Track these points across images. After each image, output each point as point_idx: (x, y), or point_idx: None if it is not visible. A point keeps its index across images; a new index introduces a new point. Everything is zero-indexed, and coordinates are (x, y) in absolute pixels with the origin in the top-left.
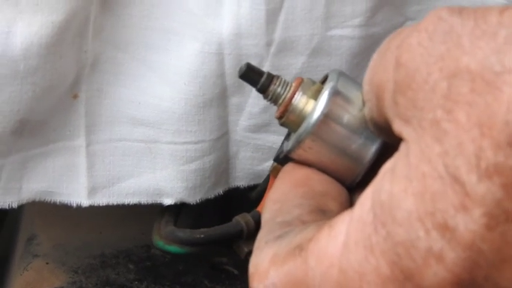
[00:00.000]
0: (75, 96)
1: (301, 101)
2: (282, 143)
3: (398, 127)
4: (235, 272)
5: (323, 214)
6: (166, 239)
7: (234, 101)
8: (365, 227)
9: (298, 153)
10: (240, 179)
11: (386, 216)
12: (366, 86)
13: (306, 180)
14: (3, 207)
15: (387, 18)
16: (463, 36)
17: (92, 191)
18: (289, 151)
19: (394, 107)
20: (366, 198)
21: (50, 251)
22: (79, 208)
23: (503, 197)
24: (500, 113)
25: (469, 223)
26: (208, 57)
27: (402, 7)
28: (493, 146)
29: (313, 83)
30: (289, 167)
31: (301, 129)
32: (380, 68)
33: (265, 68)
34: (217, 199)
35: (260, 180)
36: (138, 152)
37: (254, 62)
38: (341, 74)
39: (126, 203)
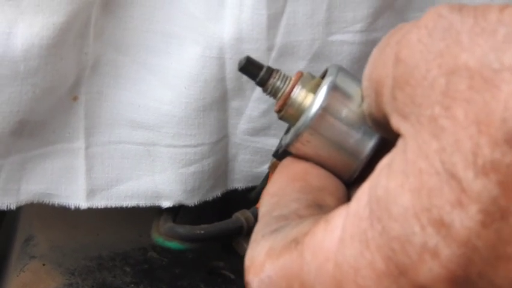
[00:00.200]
0: (75, 98)
1: (300, 94)
2: (281, 138)
3: (396, 123)
4: (232, 276)
5: (320, 209)
6: (165, 235)
7: (234, 104)
8: (361, 222)
9: (297, 147)
10: (238, 181)
11: (382, 212)
12: (365, 82)
13: (303, 175)
14: (1, 208)
15: (389, 23)
16: (462, 34)
17: (91, 193)
18: (288, 144)
19: (392, 103)
20: (362, 193)
21: (47, 253)
22: (77, 210)
23: (499, 194)
24: (497, 111)
25: (464, 220)
26: (209, 62)
27: (403, 13)
28: (490, 143)
29: (313, 77)
30: (287, 161)
31: (300, 123)
32: (379, 64)
33: None
34: (216, 200)
35: (258, 182)
36: (137, 154)
37: None
38: (340, 69)
39: (124, 205)
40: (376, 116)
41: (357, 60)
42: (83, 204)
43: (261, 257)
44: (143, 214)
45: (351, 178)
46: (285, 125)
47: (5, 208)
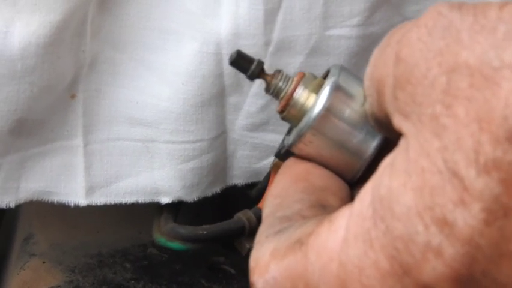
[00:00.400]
0: (73, 96)
1: (302, 95)
2: (283, 139)
3: (398, 122)
4: (232, 271)
5: (323, 209)
6: (168, 236)
7: (231, 100)
8: (365, 222)
9: (299, 148)
10: (238, 177)
11: (385, 211)
12: (367, 81)
13: (306, 175)
14: (1, 206)
15: (385, 17)
16: (462, 32)
17: (90, 190)
18: (291, 145)
19: (394, 102)
20: (365, 193)
21: (47, 250)
22: (76, 207)
23: (501, 192)
24: (498, 108)
25: (467, 218)
26: (206, 57)
27: (400, 7)
28: (491, 141)
29: (315, 77)
30: (290, 162)
31: (303, 123)
32: (380, 63)
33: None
34: (215, 197)
35: (257, 178)
36: (136, 151)
37: None
38: (342, 69)
39: (124, 202)
40: (378, 116)
41: (355, 55)
42: (83, 202)
43: (266, 258)
44: (143, 211)
45: (354, 178)
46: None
47: (5, 206)
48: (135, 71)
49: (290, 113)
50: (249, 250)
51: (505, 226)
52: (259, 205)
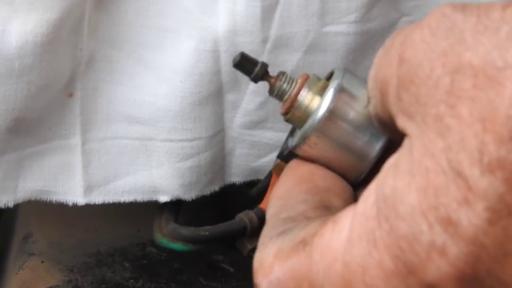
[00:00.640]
0: (70, 95)
1: (307, 97)
2: (286, 140)
3: (402, 123)
4: (231, 269)
5: (327, 210)
6: (169, 237)
7: (229, 98)
8: (369, 222)
9: (304, 149)
10: (236, 176)
11: (389, 211)
12: (370, 82)
13: (310, 176)
14: None
15: (383, 13)
16: (466, 32)
17: (88, 189)
18: (295, 147)
19: (398, 103)
20: (369, 193)
21: (46, 250)
22: (75, 206)
23: (505, 191)
24: (502, 108)
25: (471, 217)
26: (203, 55)
27: (397, 2)
28: (495, 141)
29: (319, 79)
30: (293, 164)
31: (307, 126)
32: (384, 64)
33: None
34: (214, 195)
35: (256, 176)
36: (134, 149)
37: None
38: (346, 71)
39: (122, 201)
40: (382, 117)
41: (352, 51)
42: (81, 201)
43: (270, 259)
44: (141, 210)
45: (357, 179)
46: (282, 118)
47: (3, 206)
48: (133, 69)
49: (294, 115)
50: (251, 250)
51: (509, 225)
52: (261, 206)
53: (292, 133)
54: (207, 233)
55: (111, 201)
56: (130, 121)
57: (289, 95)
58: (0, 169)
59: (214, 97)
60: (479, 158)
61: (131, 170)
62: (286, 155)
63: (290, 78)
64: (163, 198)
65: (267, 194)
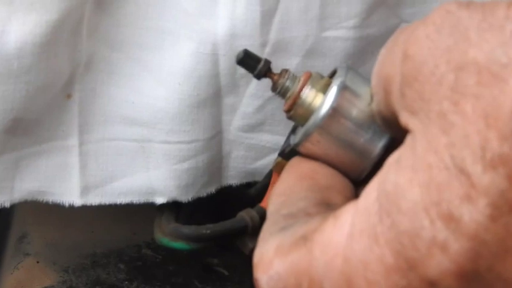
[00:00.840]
0: (69, 96)
1: (309, 94)
2: (288, 138)
3: (405, 119)
4: (226, 273)
5: (328, 207)
6: (171, 236)
7: (228, 101)
8: (370, 217)
9: (306, 147)
10: (233, 178)
11: (391, 206)
12: (374, 80)
13: (311, 174)
14: None
15: (382, 19)
16: (470, 29)
17: (85, 190)
18: (297, 144)
19: (401, 99)
20: (371, 189)
21: (41, 250)
22: (71, 207)
23: (507, 187)
24: (506, 105)
25: (473, 214)
26: (202, 58)
27: (397, 9)
28: (498, 137)
29: (322, 77)
30: (295, 161)
31: (310, 123)
32: (387, 61)
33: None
34: (214, 196)
35: (253, 179)
36: (131, 151)
37: None
38: (349, 69)
39: (119, 202)
40: (385, 114)
41: (351, 56)
42: (77, 202)
43: (270, 254)
44: (138, 212)
45: (359, 177)
46: (279, 121)
47: None
48: (131, 70)
49: (297, 112)
50: (252, 249)
51: (510, 222)
52: (262, 204)
53: (294, 131)
54: (208, 231)
55: (108, 203)
56: (128, 123)
57: (292, 92)
58: None
59: (213, 100)
60: (481, 154)
61: (128, 172)
62: (288, 153)
63: (293, 75)
64: (160, 200)
65: (267, 193)
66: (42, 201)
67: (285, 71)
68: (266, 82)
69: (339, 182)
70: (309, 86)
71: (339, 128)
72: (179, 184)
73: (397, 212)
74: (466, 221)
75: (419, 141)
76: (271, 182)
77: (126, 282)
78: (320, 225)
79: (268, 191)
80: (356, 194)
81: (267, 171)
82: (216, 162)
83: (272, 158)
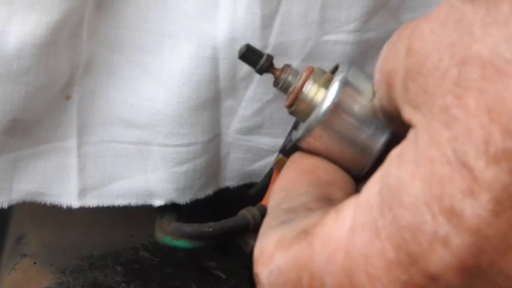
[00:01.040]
0: (68, 97)
1: (311, 90)
2: (289, 134)
3: (408, 113)
4: (223, 276)
5: (329, 202)
6: (173, 235)
7: (227, 104)
8: (372, 211)
9: (308, 142)
10: (230, 180)
11: (393, 200)
12: (376, 75)
13: (313, 169)
14: None
15: (382, 23)
16: (475, 24)
17: (83, 192)
18: (299, 139)
19: (404, 94)
20: (373, 183)
21: (39, 251)
22: (69, 209)
23: (510, 182)
24: (509, 99)
25: (476, 208)
26: (202, 61)
27: (397, 13)
28: (501, 132)
29: (324, 72)
30: (296, 156)
31: (312, 118)
32: (391, 56)
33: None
34: (210, 198)
35: (250, 180)
36: (129, 153)
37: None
38: (351, 65)
39: (116, 204)
40: (387, 109)
41: (351, 60)
42: (75, 204)
43: (271, 248)
44: (135, 214)
45: (361, 173)
46: (278, 124)
47: None
48: (131, 73)
49: (299, 107)
50: (253, 247)
51: None
52: (263, 202)
53: (295, 127)
54: (210, 229)
55: (105, 205)
56: (126, 125)
57: (294, 87)
58: None
59: (212, 103)
60: (484, 148)
61: (126, 174)
62: (289, 149)
63: (295, 70)
64: (158, 202)
65: (269, 190)
66: (40, 202)
67: (287, 66)
68: (265, 85)
69: (341, 178)
70: (311, 81)
71: (341, 123)
72: (177, 187)
73: (399, 206)
74: (468, 215)
75: (421, 135)
76: (271, 181)
77: (123, 285)
78: (321, 219)
79: (268, 189)
80: (357, 189)
81: (264, 172)
82: (214, 164)
83: (270, 160)
